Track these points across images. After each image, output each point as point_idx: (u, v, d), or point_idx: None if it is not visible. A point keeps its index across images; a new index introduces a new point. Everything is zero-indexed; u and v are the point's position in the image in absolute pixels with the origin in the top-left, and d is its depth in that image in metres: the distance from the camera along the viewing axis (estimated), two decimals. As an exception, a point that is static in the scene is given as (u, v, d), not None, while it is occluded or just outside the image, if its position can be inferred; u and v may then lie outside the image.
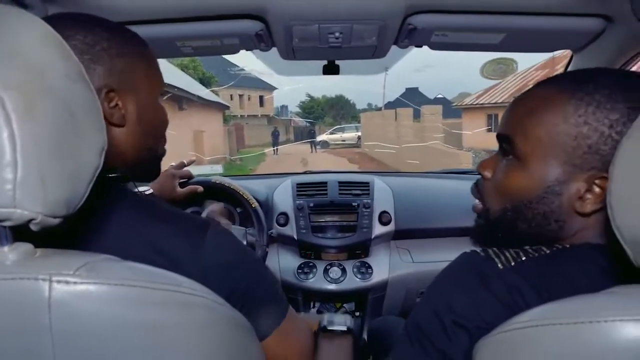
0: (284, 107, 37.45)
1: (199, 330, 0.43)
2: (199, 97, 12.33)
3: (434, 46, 1.06)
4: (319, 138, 23.53)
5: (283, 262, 1.56)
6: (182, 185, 1.25)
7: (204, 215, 1.29)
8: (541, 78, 0.63)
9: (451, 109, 19.71)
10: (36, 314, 0.36)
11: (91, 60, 0.57)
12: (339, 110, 38.74)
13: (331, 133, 25.15)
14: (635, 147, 0.38)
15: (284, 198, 1.61)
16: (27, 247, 0.39)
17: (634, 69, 1.03)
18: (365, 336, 1.32)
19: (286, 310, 0.66)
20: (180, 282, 0.43)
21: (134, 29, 0.65)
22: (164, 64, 0.86)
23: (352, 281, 1.51)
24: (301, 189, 1.63)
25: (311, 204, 1.57)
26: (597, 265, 0.49)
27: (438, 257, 1.49)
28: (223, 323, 0.46)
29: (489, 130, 14.99)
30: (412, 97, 31.49)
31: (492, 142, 0.69)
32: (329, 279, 1.51)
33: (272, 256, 1.56)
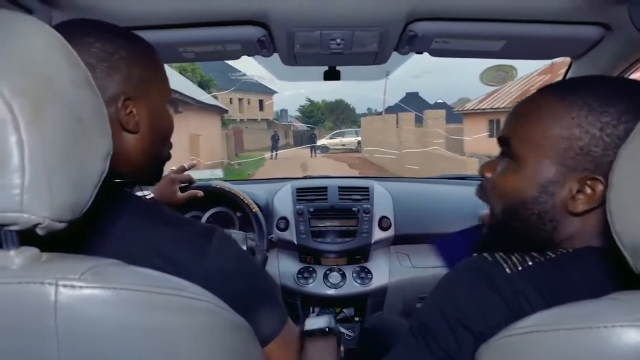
0: (283, 111, 37.56)
1: (203, 335, 0.43)
2: (195, 100, 12.19)
3: (435, 53, 1.06)
4: (319, 142, 23.51)
5: (283, 267, 1.56)
6: (182, 189, 1.25)
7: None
8: (544, 83, 0.65)
9: (452, 114, 19.68)
10: (42, 317, 0.36)
11: (110, 67, 0.58)
12: (338, 115, 38.83)
13: (331, 137, 25.17)
14: (634, 154, 0.39)
15: (284, 203, 1.62)
16: (33, 251, 0.39)
17: (632, 77, 1.04)
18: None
19: (286, 316, 0.67)
20: (185, 286, 0.43)
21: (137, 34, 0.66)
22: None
23: (352, 286, 1.51)
24: (301, 194, 1.64)
25: (311, 209, 1.57)
26: (599, 270, 0.49)
27: (438, 262, 1.49)
28: (226, 327, 0.46)
29: (490, 136, 14.95)
30: (412, 102, 31.48)
31: (494, 148, 0.71)
32: (328, 283, 1.51)
33: (272, 261, 1.56)
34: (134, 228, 0.55)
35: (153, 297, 0.40)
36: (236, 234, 1.29)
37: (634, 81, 0.56)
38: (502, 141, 0.61)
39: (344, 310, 1.63)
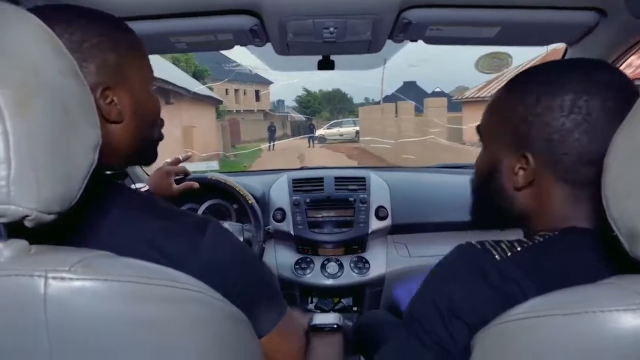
0: (280, 102, 37.36)
1: (196, 326, 0.43)
2: (188, 91, 11.81)
3: (429, 40, 1.06)
4: (316, 133, 23.40)
5: (280, 258, 1.57)
6: (177, 182, 1.25)
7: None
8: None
9: (451, 102, 19.53)
10: (32, 310, 0.36)
11: (81, 58, 0.54)
12: (336, 105, 38.67)
13: (328, 128, 25.03)
14: (628, 138, 0.39)
15: (280, 194, 1.62)
16: (22, 243, 0.39)
17: (627, 61, 1.03)
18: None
19: (285, 307, 0.66)
20: (177, 277, 0.43)
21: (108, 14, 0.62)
22: (154, 57, 0.85)
23: (350, 276, 1.52)
24: (297, 185, 1.64)
25: (308, 200, 1.57)
26: (592, 254, 0.50)
27: (435, 251, 1.48)
28: (220, 318, 0.46)
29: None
30: (410, 91, 31.34)
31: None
32: (326, 274, 1.52)
33: (269, 252, 1.56)
34: (125, 220, 0.55)
35: (144, 288, 0.40)
36: (233, 225, 1.29)
37: (560, 63, 0.63)
38: (477, 130, 0.69)
39: (342, 300, 1.63)
